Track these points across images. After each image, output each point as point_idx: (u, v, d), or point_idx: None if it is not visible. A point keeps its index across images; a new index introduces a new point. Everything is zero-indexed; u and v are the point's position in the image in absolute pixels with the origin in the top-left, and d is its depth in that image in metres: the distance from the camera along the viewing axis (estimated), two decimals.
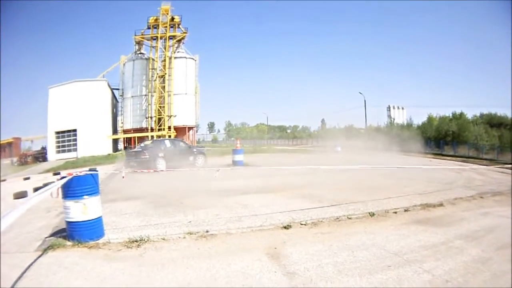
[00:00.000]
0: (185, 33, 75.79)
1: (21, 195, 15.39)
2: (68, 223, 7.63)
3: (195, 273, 5.65)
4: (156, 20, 72.34)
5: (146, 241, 7.40)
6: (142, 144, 27.20)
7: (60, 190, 7.56)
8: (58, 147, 68.52)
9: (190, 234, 7.85)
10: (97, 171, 8.57)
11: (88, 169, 8.98)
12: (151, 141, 28.82)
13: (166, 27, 72.46)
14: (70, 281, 5.47)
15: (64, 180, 7.42)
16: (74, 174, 7.59)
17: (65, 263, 6.26)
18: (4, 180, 28.79)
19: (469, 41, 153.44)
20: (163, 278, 5.49)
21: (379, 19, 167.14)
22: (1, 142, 76.97)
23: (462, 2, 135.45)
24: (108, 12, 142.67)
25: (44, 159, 65.70)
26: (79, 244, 7.28)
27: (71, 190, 7.43)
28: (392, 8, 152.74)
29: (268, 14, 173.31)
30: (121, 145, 79.63)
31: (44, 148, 71.69)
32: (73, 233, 7.53)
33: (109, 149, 68.93)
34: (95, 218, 7.68)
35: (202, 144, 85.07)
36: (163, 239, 7.62)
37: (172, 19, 72.41)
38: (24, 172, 38.57)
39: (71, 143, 68.58)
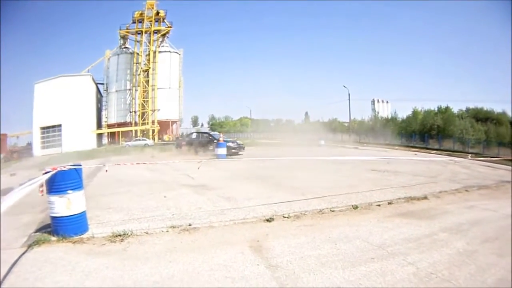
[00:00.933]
0: (170, 27, 76.35)
1: (6, 192, 15.27)
2: (53, 218, 7.54)
3: (178, 266, 5.65)
4: (141, 14, 73.01)
5: (129, 235, 7.38)
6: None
7: (45, 185, 7.43)
8: (43, 142, 68.90)
9: (173, 227, 7.86)
10: (80, 165, 8.39)
11: (71, 164, 8.86)
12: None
13: (151, 21, 73.07)
14: (55, 277, 5.44)
15: (49, 175, 7.32)
16: (58, 169, 7.50)
17: (50, 258, 6.22)
18: None
19: (459, 35, 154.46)
20: (147, 271, 5.49)
21: (365, 12, 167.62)
22: None
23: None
24: (93, 6, 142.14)
25: (30, 154, 65.18)
26: (64, 239, 7.24)
27: (55, 185, 7.36)
28: (379, 1, 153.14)
29: (252, 8, 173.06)
30: (105, 140, 79.39)
31: (29, 144, 71.81)
32: (58, 228, 7.46)
33: (93, 144, 69.03)
34: (79, 213, 7.61)
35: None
36: (146, 233, 7.62)
37: (157, 13, 73.05)
38: (10, 168, 38.57)
39: (56, 138, 68.61)
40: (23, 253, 6.56)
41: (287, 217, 8.40)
